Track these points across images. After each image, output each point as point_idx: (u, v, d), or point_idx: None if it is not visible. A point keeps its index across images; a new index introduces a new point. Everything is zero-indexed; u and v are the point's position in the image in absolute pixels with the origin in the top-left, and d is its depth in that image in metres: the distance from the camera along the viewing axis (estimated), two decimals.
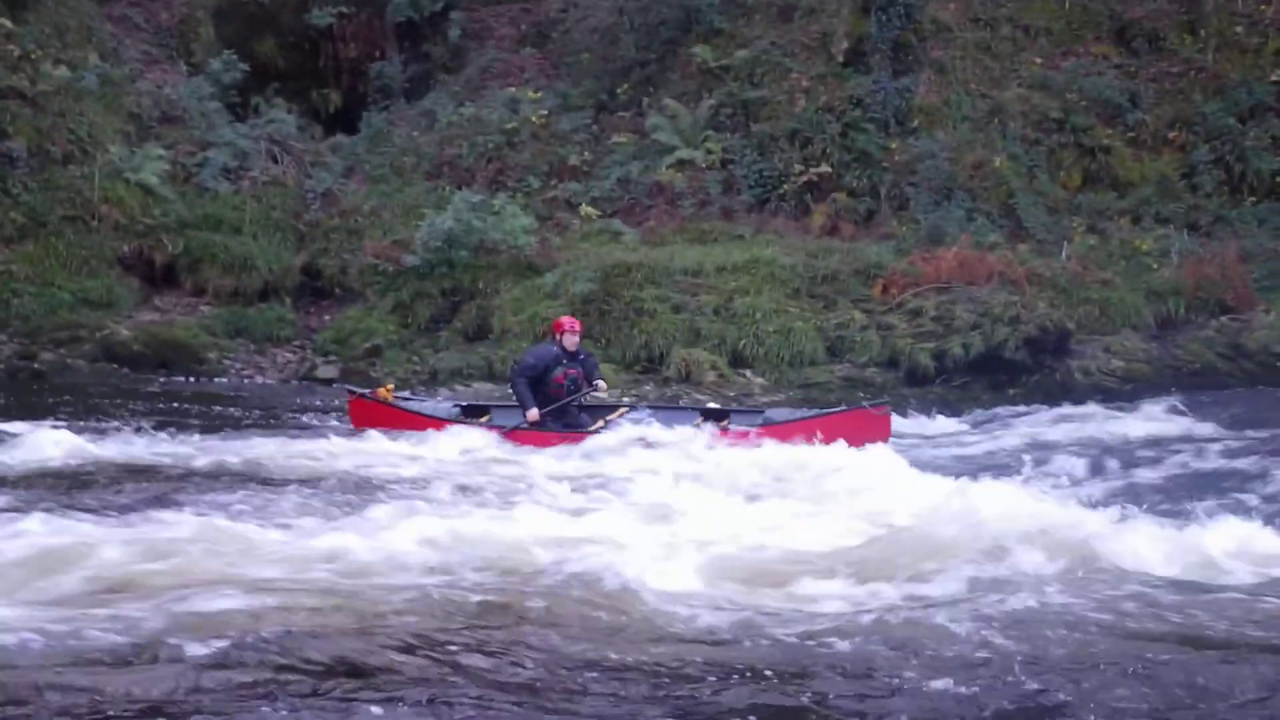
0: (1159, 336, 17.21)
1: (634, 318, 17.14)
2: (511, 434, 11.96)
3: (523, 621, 5.82)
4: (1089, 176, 20.37)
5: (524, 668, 5.12)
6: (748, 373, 16.49)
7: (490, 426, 12.29)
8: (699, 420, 12.48)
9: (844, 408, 12.76)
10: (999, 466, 12.08)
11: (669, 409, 13.36)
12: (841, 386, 16.10)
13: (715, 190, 20.45)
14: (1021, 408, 15.28)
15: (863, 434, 11.74)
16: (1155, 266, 18.27)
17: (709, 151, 20.82)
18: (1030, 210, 19.43)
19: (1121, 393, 15.87)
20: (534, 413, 11.92)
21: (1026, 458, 12.29)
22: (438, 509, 8.64)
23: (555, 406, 12.18)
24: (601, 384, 12.61)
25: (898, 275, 17.60)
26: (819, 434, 11.73)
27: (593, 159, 21.34)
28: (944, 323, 16.65)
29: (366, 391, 12.98)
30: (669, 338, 16.83)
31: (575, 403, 12.40)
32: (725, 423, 12.43)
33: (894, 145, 20.37)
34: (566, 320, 12.74)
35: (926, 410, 15.37)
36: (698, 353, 16.52)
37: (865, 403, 12.88)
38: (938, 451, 13.05)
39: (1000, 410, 15.25)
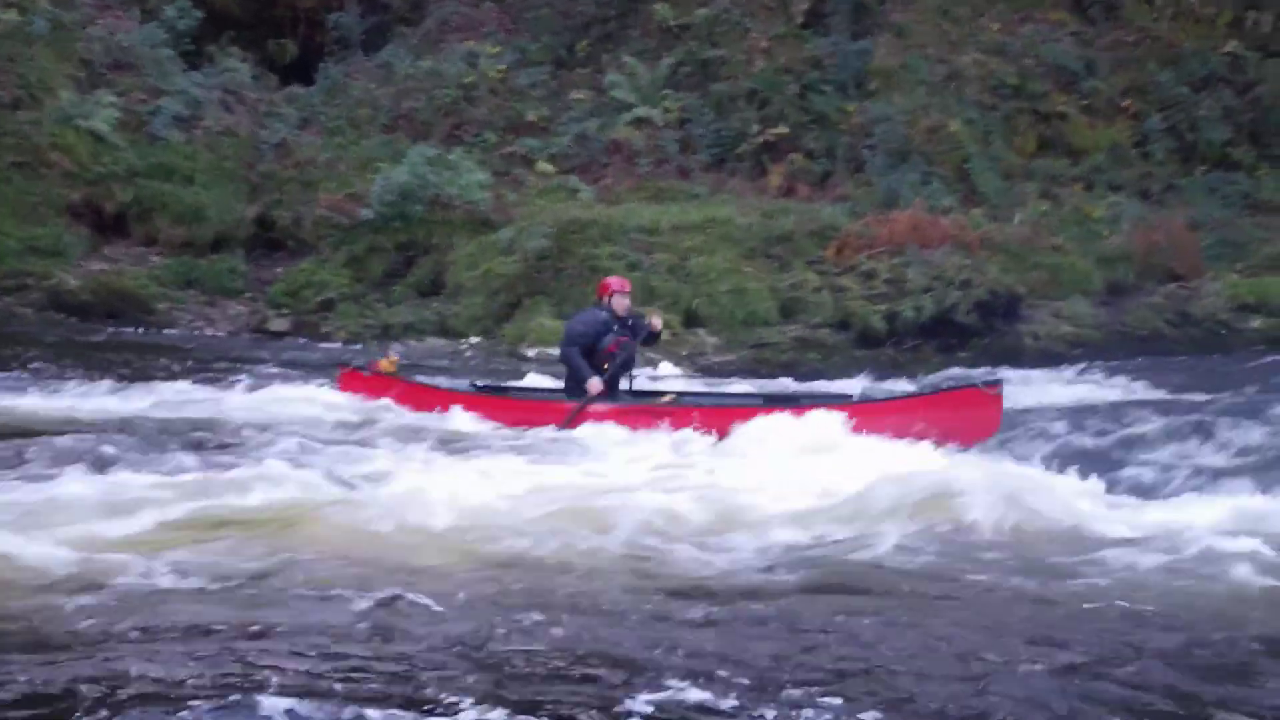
0: (1108, 303, 17.39)
1: (588, 275, 17.06)
2: (580, 415, 10.22)
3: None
4: (1043, 143, 20.53)
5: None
6: (701, 332, 16.53)
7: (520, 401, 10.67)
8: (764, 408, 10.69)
9: (949, 385, 10.96)
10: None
11: (721, 395, 11.70)
12: (793, 347, 16.17)
13: (672, 149, 20.44)
14: (971, 370, 15.40)
15: (969, 419, 9.84)
16: (1106, 233, 18.46)
17: (667, 110, 20.79)
18: (984, 175, 19.55)
19: (1070, 357, 16.02)
20: (596, 383, 10.30)
21: None
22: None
23: (610, 375, 10.63)
24: (657, 321, 10.95)
25: (852, 237, 17.66)
26: (919, 419, 9.66)
27: (550, 115, 21.26)
28: (897, 285, 16.73)
29: (362, 364, 11.56)
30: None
31: (623, 376, 10.85)
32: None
33: (851, 108, 20.41)
34: (615, 280, 11.14)
35: (878, 372, 15.48)
36: (652, 311, 16.50)
37: (977, 381, 10.53)
38: None
39: (951, 373, 15.37)
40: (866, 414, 9.74)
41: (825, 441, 9.18)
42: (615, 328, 10.60)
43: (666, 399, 10.72)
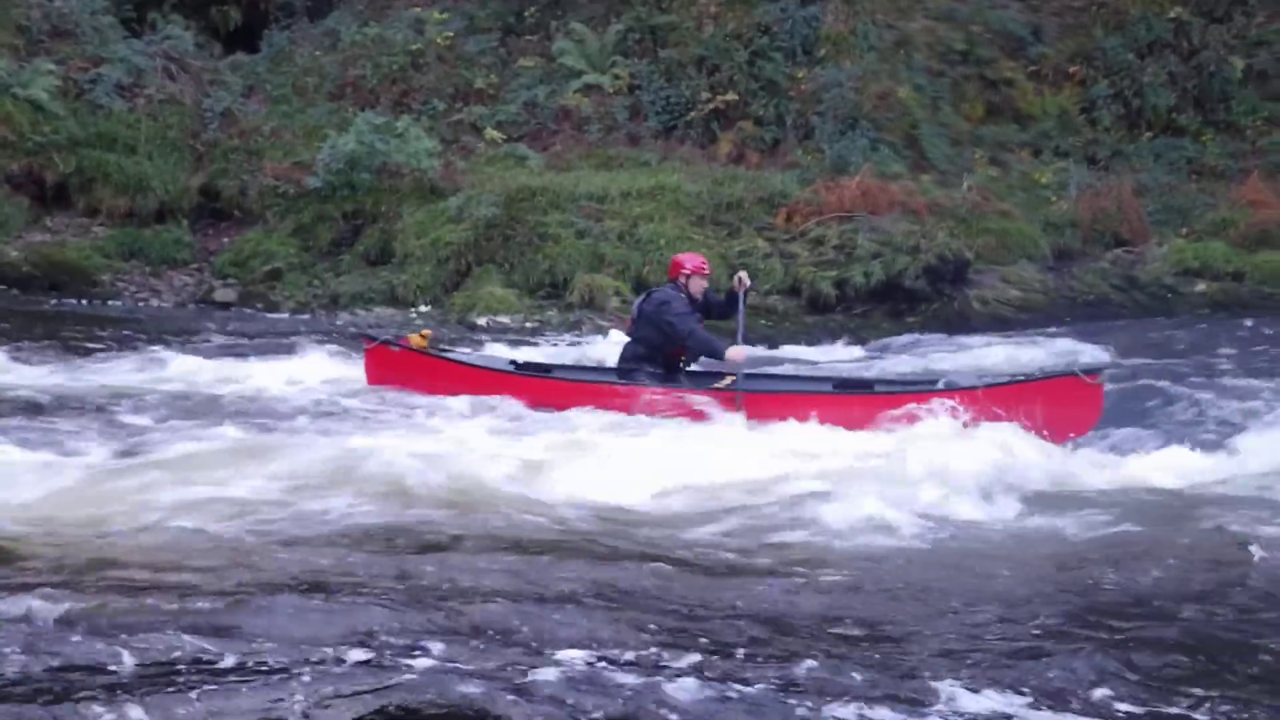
0: (1055, 267, 17.52)
1: (538, 243, 17.04)
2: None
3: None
4: (991, 109, 20.61)
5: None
6: None
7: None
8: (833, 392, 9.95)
9: (1045, 374, 10.16)
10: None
11: (788, 379, 10.84)
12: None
13: (622, 116, 20.34)
14: (920, 335, 15.52)
15: (1068, 411, 9.16)
16: (1053, 199, 18.58)
17: (616, 77, 20.68)
18: (933, 141, 19.60)
19: (1017, 322, 16.17)
20: (742, 349, 9.55)
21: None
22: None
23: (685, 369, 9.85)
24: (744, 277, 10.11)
25: (801, 204, 17.67)
26: (1014, 407, 9.06)
27: (499, 82, 21.09)
28: (846, 251, 16.78)
29: (390, 338, 10.53)
30: (572, 263, 16.75)
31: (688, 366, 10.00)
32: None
33: (800, 74, 20.37)
34: (689, 259, 10.23)
35: (827, 338, 15.56)
36: (601, 278, 16.49)
37: (1075, 369, 9.76)
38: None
39: (899, 338, 15.47)
40: (973, 401, 9.06)
41: (946, 431, 8.76)
42: (695, 315, 9.72)
43: (725, 384, 9.68)
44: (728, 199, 17.83)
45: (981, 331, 15.51)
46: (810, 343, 15.27)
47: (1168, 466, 8.35)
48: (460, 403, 9.55)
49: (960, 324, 15.95)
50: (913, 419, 8.93)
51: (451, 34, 21.52)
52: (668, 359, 9.73)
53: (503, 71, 21.25)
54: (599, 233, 17.19)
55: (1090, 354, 13.97)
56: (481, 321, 15.92)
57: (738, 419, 9.08)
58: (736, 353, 9.41)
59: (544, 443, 8.28)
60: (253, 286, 17.19)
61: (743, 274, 10.16)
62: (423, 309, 16.52)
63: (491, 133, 20.04)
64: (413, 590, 5.01)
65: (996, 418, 8.86)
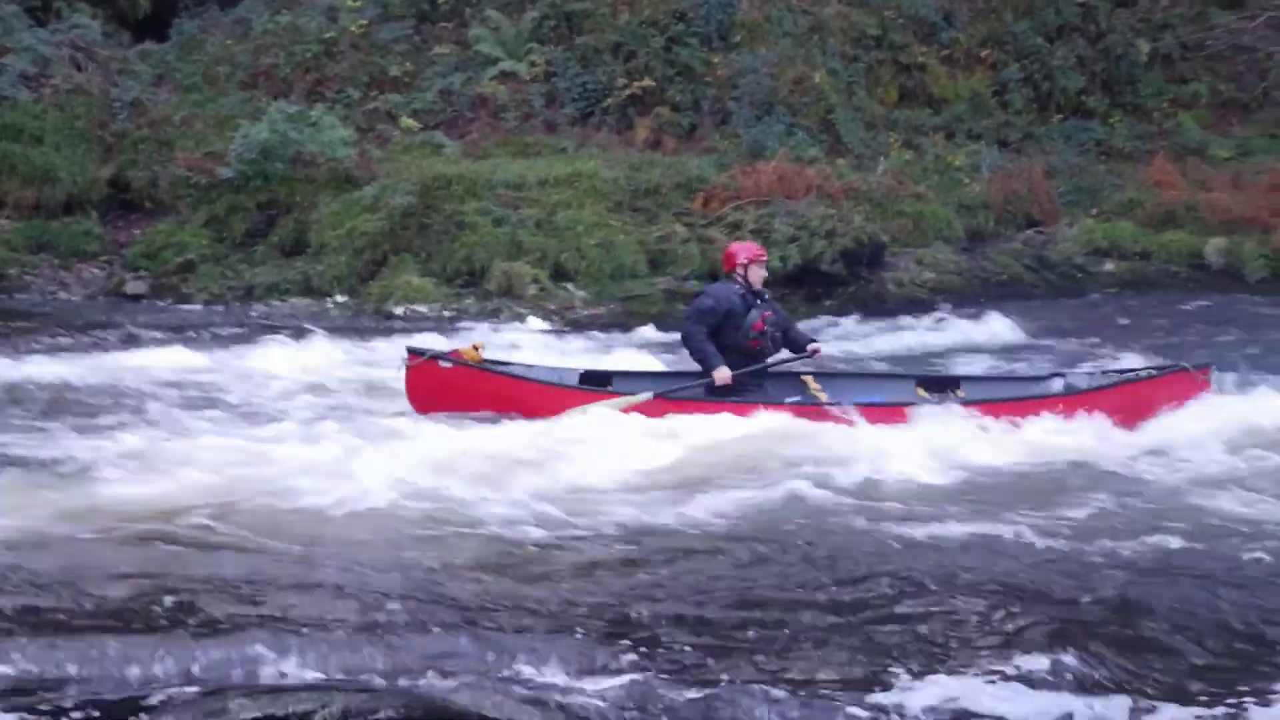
0: (969, 249, 17.75)
1: (455, 231, 16.95)
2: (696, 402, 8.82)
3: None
4: (905, 93, 20.80)
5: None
6: (569, 286, 16.50)
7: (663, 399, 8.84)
8: (918, 390, 9.56)
9: (1156, 369, 9.56)
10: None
11: (867, 377, 10.33)
12: (663, 299, 16.23)
13: (538, 103, 20.28)
14: (837, 319, 15.67)
15: (1179, 405, 8.91)
16: (967, 181, 18.82)
17: (532, 64, 20.61)
18: (848, 125, 19.76)
19: (933, 303, 16.35)
20: (725, 372, 8.91)
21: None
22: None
23: (755, 368, 9.12)
24: (817, 346, 9.50)
25: (719, 189, 17.75)
26: (1128, 406, 8.81)
27: (414, 70, 20.92)
28: (763, 235, 16.81)
29: (438, 352, 9.33)
30: (490, 251, 16.67)
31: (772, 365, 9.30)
32: (960, 392, 9.48)
33: (716, 60, 20.46)
34: (743, 249, 9.53)
35: None
36: (519, 266, 16.44)
37: (1185, 363, 9.45)
38: None
39: (817, 321, 15.57)
40: (1088, 402, 8.87)
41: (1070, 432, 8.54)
42: (756, 302, 9.17)
43: (815, 385, 9.28)
44: (645, 185, 17.85)
45: (898, 314, 15.68)
46: None
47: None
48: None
49: (877, 306, 16.12)
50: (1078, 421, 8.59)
51: (365, 22, 21.30)
52: (741, 351, 9.10)
53: (418, 59, 21.08)
54: (516, 220, 17.14)
55: (1007, 331, 14.22)
56: (398, 311, 15.85)
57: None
58: (722, 373, 8.89)
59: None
60: (165, 279, 16.92)
61: (818, 354, 9.60)
62: (339, 299, 16.39)
63: (407, 121, 19.91)
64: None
65: (1124, 412, 8.67)
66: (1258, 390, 9.42)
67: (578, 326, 15.39)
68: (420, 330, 14.45)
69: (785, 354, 9.39)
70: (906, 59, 20.84)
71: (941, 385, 9.61)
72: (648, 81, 19.99)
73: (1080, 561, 5.84)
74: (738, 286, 9.21)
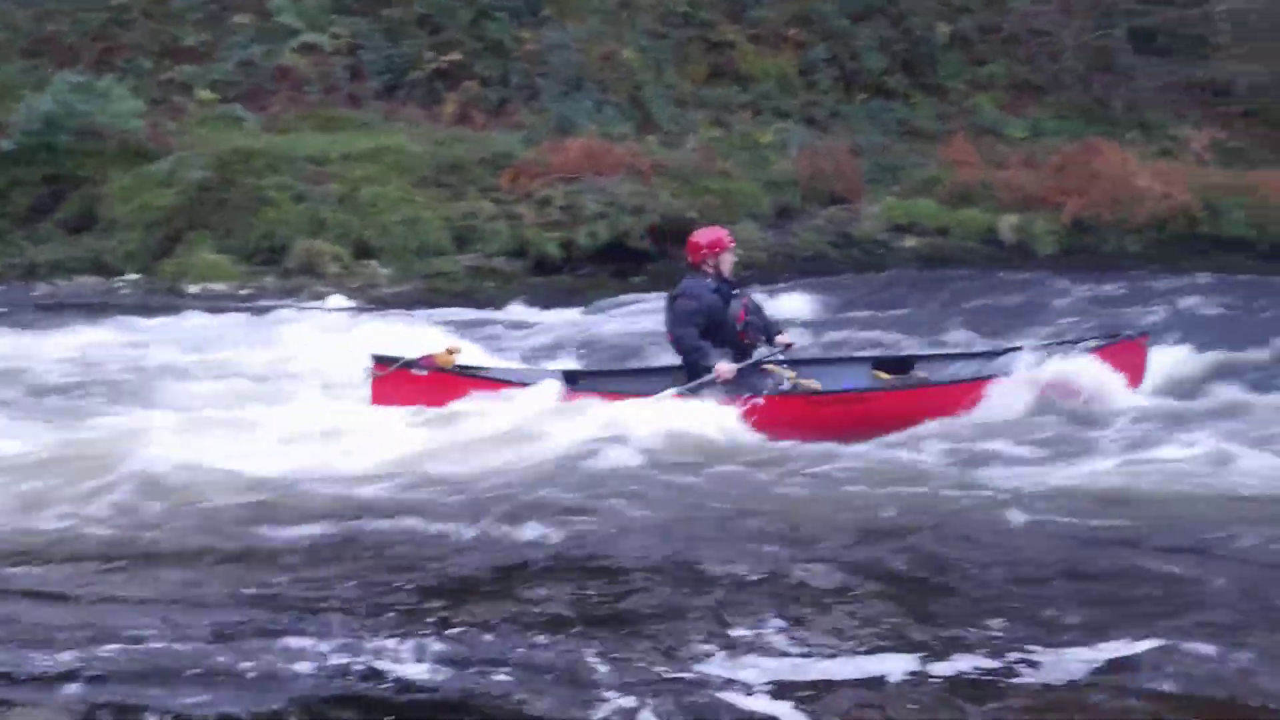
0: (776, 225, 17.93)
1: (254, 207, 16.47)
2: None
3: None
4: (714, 71, 20.90)
5: None
6: (373, 263, 16.17)
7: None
8: (875, 373, 9.28)
9: (1100, 340, 9.45)
10: (622, 350, 12.42)
11: (826, 362, 9.84)
12: (469, 276, 16.04)
13: (342, 76, 19.82)
14: (645, 294, 15.65)
15: (1119, 373, 8.98)
16: (774, 159, 18.99)
17: (335, 36, 20.12)
18: (658, 102, 19.78)
19: (740, 279, 16.40)
20: (727, 366, 8.46)
21: (642, 341, 12.70)
22: None
23: (749, 363, 8.66)
24: (790, 341, 9.02)
25: (527, 165, 17.60)
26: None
27: (211, 40, 20.22)
28: (571, 212, 16.79)
29: (409, 359, 8.55)
30: (291, 228, 16.25)
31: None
32: (919, 373, 9.27)
33: (526, 35, 20.25)
34: (707, 238, 9.03)
35: (553, 299, 15.51)
36: (321, 243, 16.05)
37: (1127, 332, 9.54)
38: (566, 334, 13.28)
39: (625, 297, 15.58)
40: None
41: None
42: (734, 291, 8.81)
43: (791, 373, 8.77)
44: (452, 160, 17.61)
45: None
46: (536, 304, 15.22)
47: None
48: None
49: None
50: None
51: None
52: (730, 345, 8.66)
53: (215, 29, 20.38)
54: (319, 196, 16.74)
55: (811, 307, 14.39)
56: (194, 289, 15.38)
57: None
58: (723, 369, 8.41)
59: None
60: None
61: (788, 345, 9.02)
62: (130, 277, 15.79)
63: (204, 93, 19.25)
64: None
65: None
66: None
67: (381, 304, 15.10)
68: (217, 310, 14.03)
69: (764, 350, 8.88)
70: (715, 37, 20.94)
71: (898, 366, 9.33)
72: (455, 55, 19.72)
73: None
74: (709, 280, 8.72)
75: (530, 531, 5.80)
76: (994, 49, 22.09)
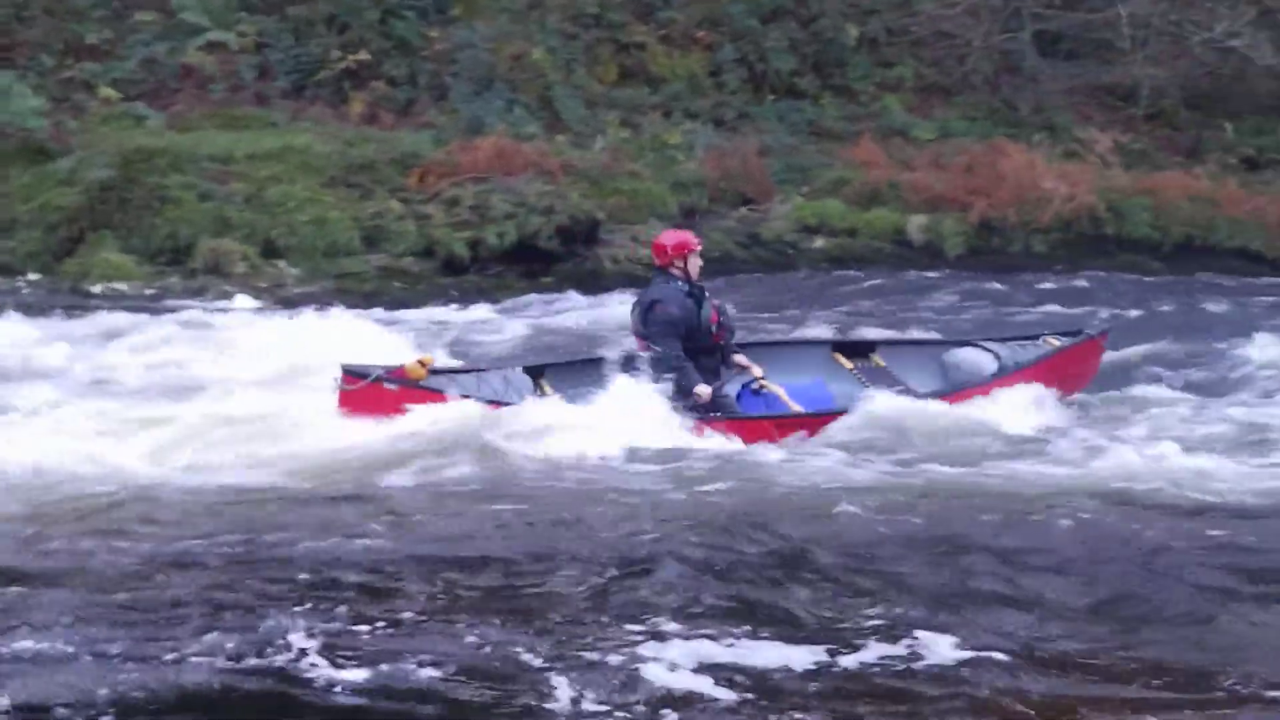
0: (684, 226, 17.92)
1: (158, 206, 16.22)
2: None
3: None
4: (624, 71, 20.94)
5: None
6: (281, 263, 16.02)
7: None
8: (835, 356, 9.38)
9: (1066, 341, 9.53)
10: (530, 349, 12.47)
11: (782, 345, 9.88)
12: (377, 276, 15.98)
13: (248, 75, 19.57)
14: (554, 294, 15.72)
15: (1080, 373, 9.27)
16: (682, 159, 19.08)
17: (241, 34, 19.89)
18: (567, 103, 19.79)
19: (648, 279, 16.45)
20: (706, 390, 8.37)
21: (550, 341, 12.80)
22: None
23: (722, 384, 8.65)
24: (744, 360, 8.91)
25: (435, 165, 17.52)
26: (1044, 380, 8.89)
27: (114, 38, 19.90)
28: (480, 212, 16.76)
29: (380, 373, 8.36)
30: (196, 227, 16.03)
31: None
32: (877, 357, 9.43)
33: (434, 34, 20.18)
34: (675, 237, 9.00)
35: (462, 299, 15.49)
36: (227, 243, 15.87)
37: (1089, 330, 9.80)
38: (476, 337, 13.29)
39: (534, 297, 15.63)
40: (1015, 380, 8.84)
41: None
42: (704, 293, 8.67)
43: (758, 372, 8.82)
44: (360, 160, 17.49)
45: (614, 289, 15.81)
46: (445, 304, 15.19)
47: None
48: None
49: (592, 283, 16.22)
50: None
51: None
52: (704, 350, 8.57)
53: (118, 26, 20.06)
54: (224, 195, 16.55)
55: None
56: (97, 290, 15.14)
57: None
58: (703, 390, 8.33)
59: None
60: None
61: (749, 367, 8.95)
62: (32, 277, 15.51)
63: (106, 91, 18.94)
64: None
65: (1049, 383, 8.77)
66: None
67: (289, 304, 14.97)
68: (122, 309, 13.85)
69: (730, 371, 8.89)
70: (625, 38, 20.99)
71: (858, 350, 9.42)
72: (363, 55, 19.57)
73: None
74: (679, 283, 8.61)
75: (458, 528, 5.84)
76: (902, 51, 22.34)
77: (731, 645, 4.34)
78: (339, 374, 8.35)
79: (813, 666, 4.23)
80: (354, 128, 18.64)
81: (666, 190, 18.13)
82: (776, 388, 8.75)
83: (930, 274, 17.13)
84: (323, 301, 15.09)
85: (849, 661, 4.27)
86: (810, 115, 21.06)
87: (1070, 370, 9.16)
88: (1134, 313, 14.50)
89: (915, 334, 11.54)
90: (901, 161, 19.63)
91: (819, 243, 17.90)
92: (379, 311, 14.41)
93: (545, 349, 12.47)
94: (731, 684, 3.99)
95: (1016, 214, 18.16)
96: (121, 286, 15.22)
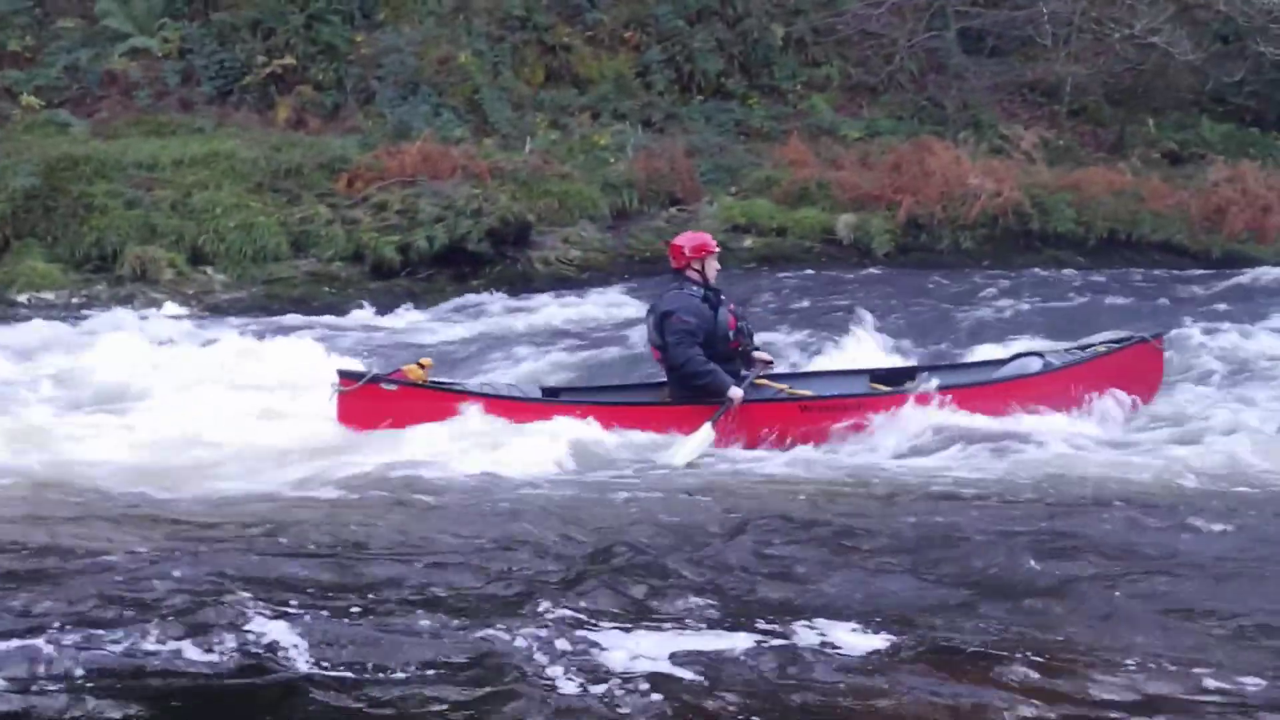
0: (614, 227, 18.09)
1: (83, 214, 16.09)
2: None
3: None
4: (551, 74, 21.00)
5: None
6: (209, 270, 15.94)
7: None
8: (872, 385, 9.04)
9: (1116, 344, 9.28)
10: (463, 355, 12.48)
11: (826, 376, 9.51)
12: (306, 281, 15.93)
13: (173, 81, 19.48)
14: (485, 297, 15.74)
15: (1138, 379, 8.94)
16: (612, 160, 19.15)
17: (166, 40, 19.78)
18: (495, 106, 19.81)
19: (579, 281, 16.62)
20: (738, 391, 8.26)
21: (482, 344, 12.82)
22: None
23: (749, 379, 8.53)
24: (766, 356, 8.91)
25: (363, 169, 17.51)
26: (1086, 385, 8.65)
27: (36, 45, 19.74)
28: (409, 216, 16.75)
29: (378, 374, 8.39)
30: (122, 235, 15.90)
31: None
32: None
33: (360, 38, 20.15)
34: (693, 239, 8.83)
35: (393, 303, 15.48)
36: (154, 250, 15.75)
37: (1145, 334, 9.37)
38: (406, 340, 13.30)
39: (464, 300, 15.65)
40: (1063, 380, 8.69)
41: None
42: (721, 297, 8.51)
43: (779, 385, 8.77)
44: (287, 165, 17.44)
45: (545, 291, 15.89)
46: (375, 309, 15.18)
47: None
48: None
49: (524, 285, 16.28)
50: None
51: None
52: (723, 356, 8.41)
53: (40, 33, 19.89)
54: (150, 202, 16.44)
55: (644, 310, 14.56)
56: (22, 299, 15.01)
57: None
58: (735, 393, 8.22)
59: None
60: None
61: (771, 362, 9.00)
62: None
63: (29, 99, 18.76)
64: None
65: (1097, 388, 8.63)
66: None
67: (218, 311, 14.97)
68: (46, 318, 13.74)
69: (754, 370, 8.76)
70: (552, 40, 21.03)
71: (896, 377, 9.16)
72: (289, 60, 19.52)
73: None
74: (696, 288, 8.46)
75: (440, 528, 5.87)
76: (829, 50, 22.56)
77: (718, 636, 4.40)
78: (335, 379, 8.25)
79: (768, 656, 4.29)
80: (280, 133, 18.58)
81: (597, 191, 18.20)
82: (780, 386, 8.80)
83: (859, 272, 17.28)
84: (252, 307, 15.11)
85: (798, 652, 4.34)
86: (738, 115, 21.21)
87: (1124, 375, 8.90)
88: (1059, 306, 14.73)
89: (958, 358, 11.28)
90: (829, 160, 19.80)
91: (748, 242, 18.01)
92: (309, 317, 14.42)
93: (477, 352, 12.49)
94: (707, 674, 4.05)
95: (943, 211, 18.39)
96: (47, 295, 15.08)
